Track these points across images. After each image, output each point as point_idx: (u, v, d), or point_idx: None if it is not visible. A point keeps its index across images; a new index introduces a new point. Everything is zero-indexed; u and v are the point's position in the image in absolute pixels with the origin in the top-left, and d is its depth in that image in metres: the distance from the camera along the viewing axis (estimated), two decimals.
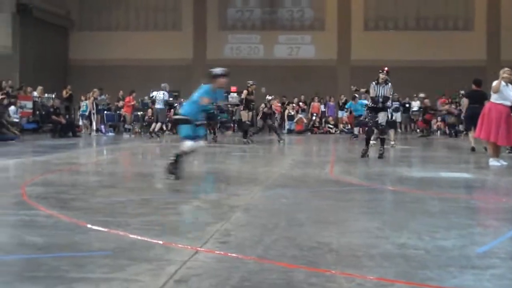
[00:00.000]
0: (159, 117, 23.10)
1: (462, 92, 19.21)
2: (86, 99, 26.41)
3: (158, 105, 22.98)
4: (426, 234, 5.17)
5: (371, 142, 17.00)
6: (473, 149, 15.11)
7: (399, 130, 27.73)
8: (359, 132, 23.37)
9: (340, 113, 30.93)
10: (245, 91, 20.01)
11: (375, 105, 13.31)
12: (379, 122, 13.29)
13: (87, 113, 26.26)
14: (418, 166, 11.64)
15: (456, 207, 6.89)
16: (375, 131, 14.56)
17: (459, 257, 4.38)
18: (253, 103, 20.56)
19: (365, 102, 22.02)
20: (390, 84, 13.45)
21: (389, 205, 7.11)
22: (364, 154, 13.31)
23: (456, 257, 4.39)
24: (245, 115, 20.12)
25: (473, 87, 15.39)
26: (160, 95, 22.80)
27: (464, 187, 8.92)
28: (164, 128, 26.97)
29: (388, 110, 14.53)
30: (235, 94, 29.31)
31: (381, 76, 13.42)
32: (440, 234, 5.18)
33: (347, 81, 32.49)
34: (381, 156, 13.00)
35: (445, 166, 10.92)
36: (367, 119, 14.07)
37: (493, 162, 11.55)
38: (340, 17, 34.24)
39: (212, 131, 20.23)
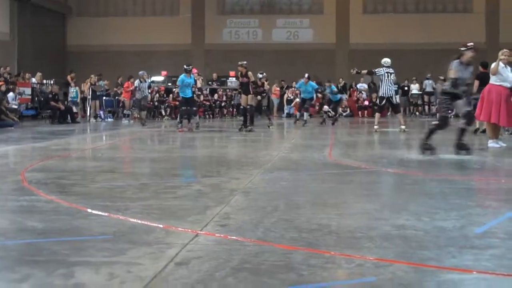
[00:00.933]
0: (142, 105, 22.86)
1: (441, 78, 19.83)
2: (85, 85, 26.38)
3: (139, 94, 22.55)
4: (425, 215, 5.18)
5: (375, 126, 17.13)
6: (475, 131, 15.12)
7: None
8: (302, 115, 22.56)
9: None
10: (250, 73, 18.07)
11: (455, 91, 10.30)
12: (464, 111, 10.41)
13: (78, 100, 26.26)
14: (418, 148, 11.61)
15: (455, 188, 6.91)
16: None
17: (459, 238, 4.39)
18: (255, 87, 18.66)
19: (315, 85, 22.77)
20: (472, 66, 10.82)
21: (388, 187, 7.13)
22: (429, 148, 10.46)
23: (456, 237, 4.40)
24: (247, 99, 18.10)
25: (480, 69, 15.07)
26: (143, 85, 22.38)
27: (464, 169, 8.94)
28: (164, 113, 26.99)
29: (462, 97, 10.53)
30: (233, 79, 29.26)
31: (468, 54, 10.51)
32: (439, 215, 5.20)
33: (345, 65, 32.46)
34: (466, 150, 10.43)
35: (445, 148, 10.91)
36: (441, 107, 10.87)
37: (492, 143, 11.57)
38: (338, 0, 34.12)
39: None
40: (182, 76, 18.08)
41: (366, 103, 30.44)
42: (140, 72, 22.19)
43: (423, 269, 3.64)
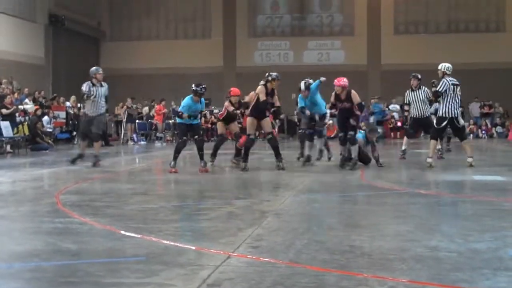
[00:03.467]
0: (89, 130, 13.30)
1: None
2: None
3: (89, 107, 13.15)
4: (459, 237, 5.13)
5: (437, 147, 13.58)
6: None
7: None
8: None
9: (371, 118, 30.76)
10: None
11: None
12: None
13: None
14: (451, 169, 11.52)
15: (489, 210, 6.83)
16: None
17: (493, 259, 4.34)
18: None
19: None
20: None
21: (420, 208, 7.06)
22: None
23: (490, 259, 4.36)
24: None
25: None
26: (96, 90, 12.91)
27: (498, 190, 8.81)
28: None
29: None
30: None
31: None
32: (473, 237, 5.14)
33: (377, 86, 32.39)
34: None
35: (478, 169, 10.81)
36: None
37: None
38: (369, 21, 34.08)
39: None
40: (187, 100, 11.81)
41: (399, 124, 30.24)
42: (92, 69, 13.26)
43: None
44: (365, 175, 10.70)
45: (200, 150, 11.84)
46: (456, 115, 11.90)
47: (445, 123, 11.87)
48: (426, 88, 14.13)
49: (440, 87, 11.97)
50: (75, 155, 13.28)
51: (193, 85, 11.83)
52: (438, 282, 3.76)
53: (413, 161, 13.10)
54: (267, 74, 12.04)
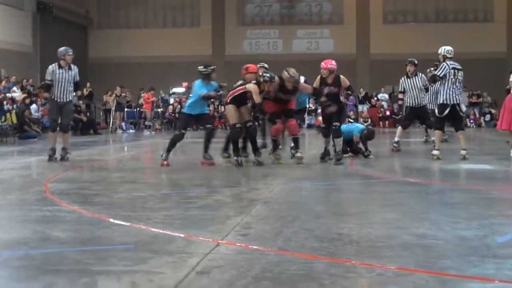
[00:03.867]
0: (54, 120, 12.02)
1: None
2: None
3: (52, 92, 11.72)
4: (446, 224, 5.16)
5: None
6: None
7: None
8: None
9: (360, 107, 30.82)
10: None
11: None
12: None
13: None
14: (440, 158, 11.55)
15: (477, 198, 6.87)
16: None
17: (480, 247, 4.37)
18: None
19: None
20: None
21: (409, 196, 7.09)
22: None
23: (477, 246, 4.39)
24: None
25: None
26: (62, 73, 11.63)
27: (486, 179, 8.85)
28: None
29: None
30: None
31: None
32: (461, 224, 5.17)
33: (366, 75, 32.43)
34: None
35: (469, 158, 10.84)
36: None
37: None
38: (358, 10, 34.09)
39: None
40: (199, 83, 10.79)
41: (388, 113, 30.31)
42: (61, 49, 11.98)
43: (444, 279, 3.63)
44: (354, 164, 10.72)
45: (208, 141, 10.61)
46: (458, 101, 11.22)
47: (447, 110, 11.05)
48: (423, 75, 13.53)
49: (440, 71, 11.12)
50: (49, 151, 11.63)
51: (201, 67, 10.79)
52: (426, 269, 3.78)
53: (402, 150, 13.11)
54: (261, 73, 10.43)
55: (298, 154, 10.74)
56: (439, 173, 9.58)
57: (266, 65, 11.77)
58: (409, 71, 13.41)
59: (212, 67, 10.84)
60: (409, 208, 6.17)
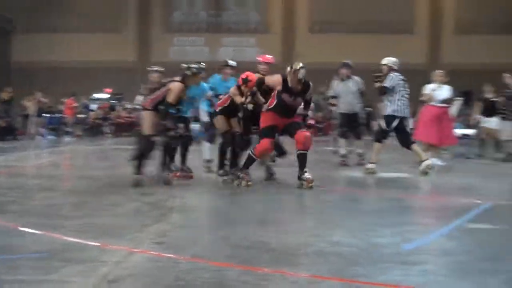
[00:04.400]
0: None
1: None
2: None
3: None
4: (361, 232, 5.26)
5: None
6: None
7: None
8: None
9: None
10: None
11: None
12: None
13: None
14: (360, 167, 11.70)
15: (392, 206, 7.03)
16: None
17: (391, 254, 4.48)
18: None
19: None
20: None
21: (327, 204, 7.19)
22: None
23: (388, 254, 4.49)
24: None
25: None
26: None
27: (402, 187, 9.06)
28: (108, 130, 26.75)
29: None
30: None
31: None
32: (374, 232, 5.28)
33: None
34: None
35: (385, 167, 11.06)
36: None
37: (434, 160, 11.56)
38: (285, 20, 34.50)
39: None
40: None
41: (312, 122, 30.62)
42: None
43: (355, 285, 3.71)
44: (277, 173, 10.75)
45: (186, 149, 9.48)
46: (407, 115, 10.63)
47: (395, 122, 10.36)
48: (358, 78, 12.24)
49: (388, 82, 10.41)
50: None
51: (190, 65, 9.63)
52: (337, 276, 3.84)
53: (323, 159, 13.26)
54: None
55: (307, 176, 8.43)
56: (357, 181, 9.74)
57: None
58: (342, 73, 12.19)
59: (200, 67, 9.72)
60: (327, 216, 6.27)
